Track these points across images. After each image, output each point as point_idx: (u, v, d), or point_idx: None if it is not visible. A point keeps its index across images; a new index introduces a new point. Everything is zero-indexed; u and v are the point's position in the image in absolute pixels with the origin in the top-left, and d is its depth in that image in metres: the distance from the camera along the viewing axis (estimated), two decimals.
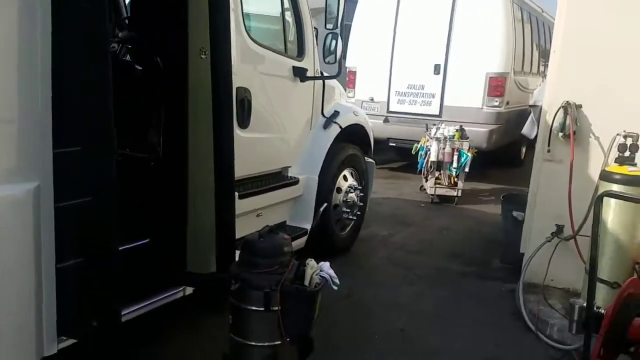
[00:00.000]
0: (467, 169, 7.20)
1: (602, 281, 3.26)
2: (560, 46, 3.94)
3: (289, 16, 4.23)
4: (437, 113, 8.48)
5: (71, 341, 2.28)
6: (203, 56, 2.86)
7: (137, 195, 3.06)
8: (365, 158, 5.30)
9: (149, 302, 2.88)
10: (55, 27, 1.94)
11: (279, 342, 2.55)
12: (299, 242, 4.30)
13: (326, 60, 4.20)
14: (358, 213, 4.95)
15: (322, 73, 4.43)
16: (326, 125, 4.55)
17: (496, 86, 8.14)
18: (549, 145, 3.97)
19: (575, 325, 2.67)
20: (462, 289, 4.41)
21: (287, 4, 4.16)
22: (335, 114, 4.66)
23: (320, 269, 2.79)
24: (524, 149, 10.01)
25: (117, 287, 2.22)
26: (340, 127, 4.65)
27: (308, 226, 4.35)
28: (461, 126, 7.32)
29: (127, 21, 3.75)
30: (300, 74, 4.12)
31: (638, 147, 3.48)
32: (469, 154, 7.15)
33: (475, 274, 4.77)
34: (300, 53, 4.24)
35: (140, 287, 2.89)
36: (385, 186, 8.27)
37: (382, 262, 4.99)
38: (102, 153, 2.11)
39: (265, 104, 3.81)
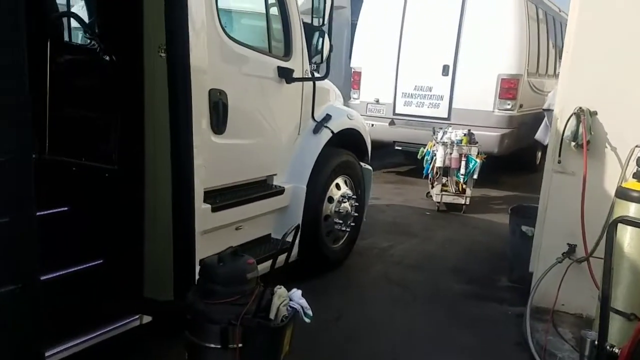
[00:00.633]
0: (475, 176, 6.80)
1: (618, 312, 2.86)
2: (572, 45, 3.54)
3: (275, 13, 3.87)
4: (446, 116, 8.09)
5: None
6: (162, 54, 2.54)
7: (92, 210, 2.74)
8: (362, 165, 4.94)
9: (101, 332, 2.56)
10: None
11: None
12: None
13: (312, 61, 3.84)
14: (352, 224, 4.60)
15: (312, 74, 4.07)
16: (316, 130, 4.20)
17: (508, 88, 7.71)
18: (559, 156, 3.57)
19: None
20: (462, 312, 4.02)
21: (272, 0, 3.80)
22: (327, 117, 4.31)
23: (290, 299, 2.45)
24: (539, 154, 9.54)
25: (40, 325, 1.90)
26: (332, 131, 4.30)
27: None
28: (469, 130, 6.91)
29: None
30: (285, 75, 3.76)
31: None
32: (478, 160, 6.74)
33: (478, 295, 4.37)
34: (287, 53, 3.88)
35: (93, 314, 2.58)
36: (390, 192, 7.91)
37: (377, 278, 4.62)
38: (17, 164, 1.78)
39: (245, 107, 3.47)
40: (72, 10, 3.62)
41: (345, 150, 4.62)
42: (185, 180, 2.46)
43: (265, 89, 3.68)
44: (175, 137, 2.42)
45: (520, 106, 7.95)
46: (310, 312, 2.44)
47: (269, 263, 3.67)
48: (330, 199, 4.38)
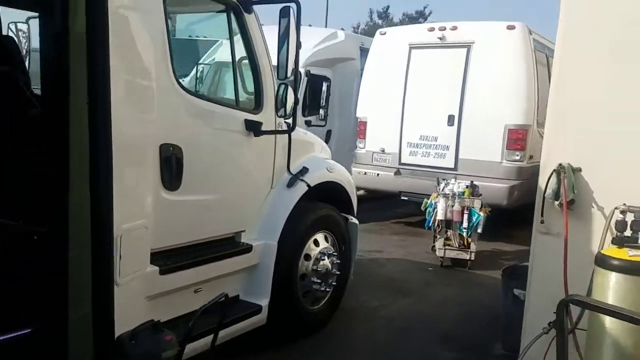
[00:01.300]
0: (480, 230, 6.45)
1: None
2: (553, 98, 3.31)
3: (246, 64, 3.77)
4: (452, 166, 7.82)
5: None
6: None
7: (21, 275, 2.59)
8: (349, 218, 4.72)
9: None
10: None
11: None
12: (256, 320, 3.72)
13: (278, 114, 3.70)
14: (334, 283, 4.33)
15: (290, 126, 3.86)
16: (291, 184, 4.02)
17: (516, 139, 7.43)
18: (542, 215, 3.28)
19: None
20: None
21: (240, 51, 3.71)
22: (304, 170, 4.13)
23: None
24: None
25: None
26: (308, 185, 4.11)
27: (266, 301, 3.77)
28: (472, 182, 6.63)
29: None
30: (253, 128, 3.63)
31: None
32: (482, 214, 6.41)
33: None
34: (258, 105, 3.76)
35: None
36: (394, 244, 7.62)
37: (358, 344, 4.30)
38: None
39: (205, 162, 3.33)
40: None
41: (326, 204, 4.42)
42: (102, 240, 2.29)
43: (230, 143, 3.55)
44: (94, 194, 2.27)
45: (530, 157, 7.63)
46: None
47: (232, 329, 3.48)
48: (308, 257, 4.15)
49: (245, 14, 3.58)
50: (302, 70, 8.73)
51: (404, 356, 4.07)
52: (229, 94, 3.64)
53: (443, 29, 7.88)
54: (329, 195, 4.48)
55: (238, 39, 3.61)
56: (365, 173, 8.54)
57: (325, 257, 4.23)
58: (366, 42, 9.81)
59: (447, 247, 6.56)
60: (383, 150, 8.38)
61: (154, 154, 2.89)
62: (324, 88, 8.99)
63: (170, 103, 3.02)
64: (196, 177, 3.21)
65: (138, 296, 2.79)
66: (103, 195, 2.29)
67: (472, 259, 6.53)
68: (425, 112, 7.96)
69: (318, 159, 4.52)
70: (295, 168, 4.11)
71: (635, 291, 2.54)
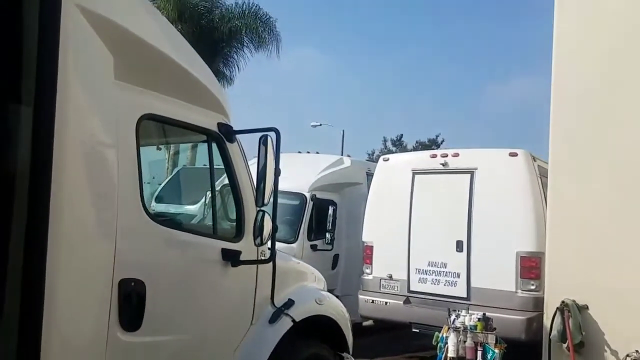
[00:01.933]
0: None
1: None
2: (551, 222, 3.05)
3: (225, 190, 3.65)
4: (465, 295, 7.34)
5: None
6: None
7: None
8: (344, 357, 4.30)
9: None
10: None
11: None
12: None
13: (255, 242, 3.47)
14: None
15: (274, 255, 3.61)
16: (274, 319, 3.69)
17: (530, 267, 6.99)
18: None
19: None
20: None
21: (219, 177, 3.61)
22: (289, 303, 3.82)
23: None
24: None
25: None
26: (294, 320, 3.77)
27: None
28: (484, 314, 6.14)
29: None
30: (231, 257, 3.40)
31: None
32: (497, 350, 5.84)
33: None
34: (239, 232, 3.56)
35: None
36: None
37: None
38: None
39: (173, 297, 3.06)
40: None
41: (317, 341, 4.04)
42: None
43: (204, 275, 3.31)
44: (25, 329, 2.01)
45: None
46: None
47: None
48: None
49: (228, 143, 3.52)
50: (307, 194, 8.72)
51: None
52: (207, 221, 3.46)
53: (445, 155, 7.87)
54: (320, 330, 4.12)
55: (220, 164, 3.52)
56: (373, 301, 8.08)
57: None
58: (372, 167, 9.88)
59: None
60: (391, 277, 7.99)
61: (111, 290, 2.66)
62: (330, 212, 8.90)
63: (136, 233, 2.84)
64: (161, 315, 2.93)
65: None
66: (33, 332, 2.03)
67: None
68: (433, 237, 7.68)
69: (307, 290, 4.22)
70: (280, 300, 3.80)
71: None
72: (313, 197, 8.75)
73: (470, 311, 6.33)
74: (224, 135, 3.49)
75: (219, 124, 3.48)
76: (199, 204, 3.78)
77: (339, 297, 5.32)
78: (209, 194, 3.57)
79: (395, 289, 7.93)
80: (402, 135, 39.27)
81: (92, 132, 2.60)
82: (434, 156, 8.08)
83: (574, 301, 2.80)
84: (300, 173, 8.92)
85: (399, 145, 38.52)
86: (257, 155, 3.32)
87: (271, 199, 3.36)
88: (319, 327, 4.12)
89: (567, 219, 2.97)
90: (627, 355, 2.46)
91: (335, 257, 9.05)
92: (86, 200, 2.52)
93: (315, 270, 4.78)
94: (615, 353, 2.73)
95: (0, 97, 2.23)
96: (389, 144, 38.99)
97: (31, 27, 2.24)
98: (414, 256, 7.81)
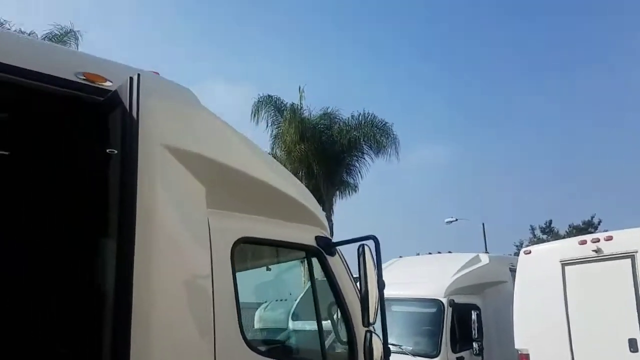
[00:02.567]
0: None
1: None
2: None
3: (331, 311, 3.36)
4: None
5: None
6: None
7: None
8: None
9: None
10: None
11: None
12: None
13: None
14: None
15: None
16: None
17: None
18: None
19: None
20: None
21: (325, 297, 3.33)
22: None
23: None
24: None
25: None
26: None
27: None
28: None
29: None
30: None
31: None
32: None
33: None
34: (352, 357, 3.19)
35: None
36: None
37: None
38: None
39: None
40: None
41: None
42: None
43: None
44: None
45: None
46: None
47: None
48: None
49: (329, 257, 3.31)
50: (444, 300, 8.01)
51: None
52: (313, 346, 3.17)
53: (597, 240, 6.91)
54: None
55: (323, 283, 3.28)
56: None
57: None
58: (516, 262, 8.95)
59: None
60: None
61: None
62: (474, 317, 7.98)
63: None
64: None
65: None
66: None
67: None
68: (598, 337, 6.52)
69: None
70: None
71: None
72: (451, 303, 7.97)
73: None
74: (323, 248, 3.29)
75: (317, 237, 3.31)
76: (299, 328, 3.51)
77: None
78: (310, 315, 3.29)
79: None
80: (551, 221, 36.02)
81: (185, 262, 2.57)
82: (584, 242, 7.13)
83: None
84: (432, 276, 8.33)
85: (550, 232, 35.26)
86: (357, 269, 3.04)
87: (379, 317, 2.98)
88: None
89: None
90: None
91: None
92: (183, 330, 2.45)
93: None
94: None
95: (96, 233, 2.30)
96: (537, 232, 35.91)
97: (120, 167, 2.34)
98: None
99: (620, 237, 6.78)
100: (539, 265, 7.45)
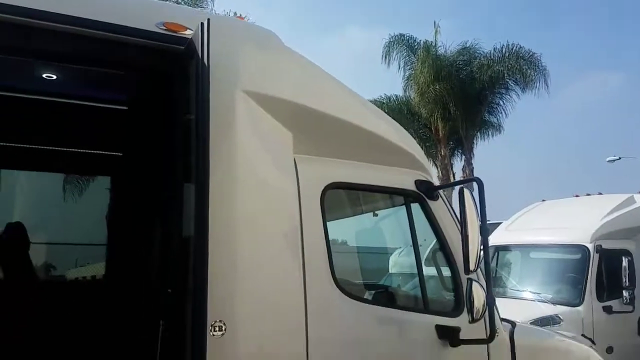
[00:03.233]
0: None
1: None
2: None
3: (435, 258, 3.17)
4: None
5: None
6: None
7: None
8: None
9: None
10: None
11: None
12: None
13: (468, 318, 2.80)
14: None
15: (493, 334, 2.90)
16: None
17: None
18: None
19: None
20: None
21: (427, 243, 3.14)
22: None
23: None
24: None
25: None
26: None
27: None
28: None
29: None
30: (449, 336, 2.85)
31: None
32: None
33: None
34: (457, 306, 3.01)
35: None
36: None
37: None
38: None
39: None
40: None
41: None
42: None
43: (415, 357, 2.84)
44: None
45: None
46: None
47: None
48: None
49: (430, 201, 3.10)
50: (589, 245, 7.30)
51: None
52: (414, 293, 3.03)
53: None
54: None
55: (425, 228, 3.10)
56: None
57: None
58: None
59: None
60: None
61: None
62: (625, 264, 7.22)
63: (327, 309, 2.61)
64: None
65: None
66: None
67: None
68: None
69: None
70: None
71: None
72: (598, 248, 7.26)
73: None
74: (424, 193, 3.09)
75: (417, 182, 3.10)
76: (400, 276, 3.36)
77: None
78: (410, 262, 3.13)
79: None
80: None
81: (272, 208, 2.56)
82: None
83: None
84: (578, 220, 7.61)
85: None
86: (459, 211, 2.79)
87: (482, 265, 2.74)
88: None
89: None
90: None
91: None
92: (271, 273, 2.47)
93: (591, 351, 3.76)
94: None
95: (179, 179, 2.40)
96: None
97: (195, 115, 2.36)
98: None
99: None
100: None
